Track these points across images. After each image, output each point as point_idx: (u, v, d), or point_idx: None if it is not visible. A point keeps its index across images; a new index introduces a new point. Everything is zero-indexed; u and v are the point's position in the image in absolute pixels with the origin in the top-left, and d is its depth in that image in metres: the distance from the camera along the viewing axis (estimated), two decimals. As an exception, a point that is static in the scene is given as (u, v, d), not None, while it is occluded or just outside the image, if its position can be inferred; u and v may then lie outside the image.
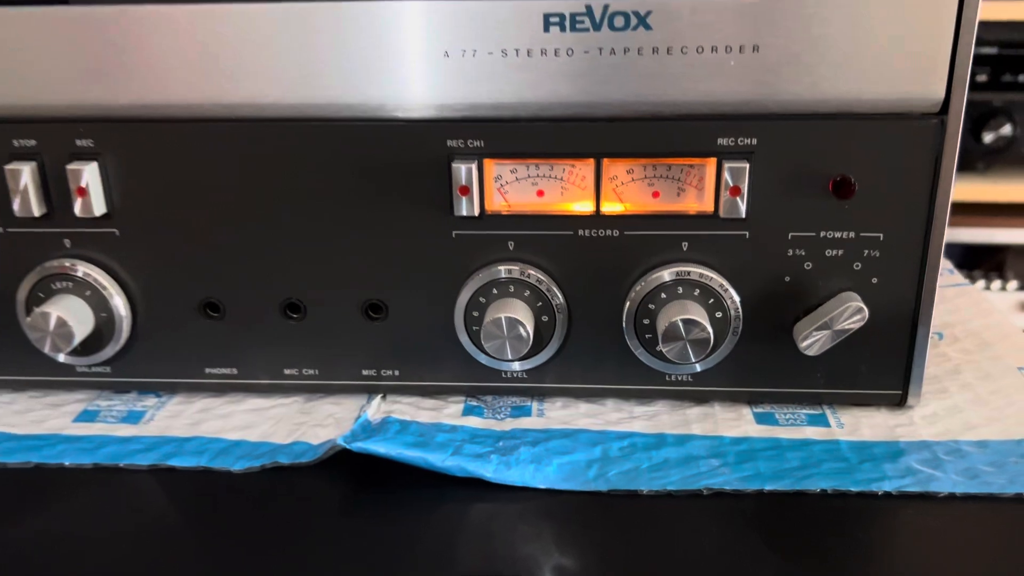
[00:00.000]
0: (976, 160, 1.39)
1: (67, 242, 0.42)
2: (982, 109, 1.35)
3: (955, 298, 0.53)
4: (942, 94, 0.37)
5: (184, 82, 0.39)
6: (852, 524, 0.36)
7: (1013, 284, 1.45)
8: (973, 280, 1.44)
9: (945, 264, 0.60)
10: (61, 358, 0.43)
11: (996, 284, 1.44)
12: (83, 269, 0.41)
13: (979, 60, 1.34)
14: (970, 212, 1.42)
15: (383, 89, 0.38)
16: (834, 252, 0.40)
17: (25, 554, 0.35)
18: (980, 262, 1.46)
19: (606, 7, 0.36)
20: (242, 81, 0.38)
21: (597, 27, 0.37)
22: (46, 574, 0.34)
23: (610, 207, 0.40)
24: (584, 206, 0.40)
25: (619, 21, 0.37)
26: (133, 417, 0.43)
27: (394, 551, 0.35)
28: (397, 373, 0.44)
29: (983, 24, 1.38)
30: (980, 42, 1.33)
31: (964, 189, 1.38)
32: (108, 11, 0.38)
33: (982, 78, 1.35)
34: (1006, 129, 1.35)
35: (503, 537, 0.35)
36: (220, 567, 0.35)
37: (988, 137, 1.35)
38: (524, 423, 0.42)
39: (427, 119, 0.39)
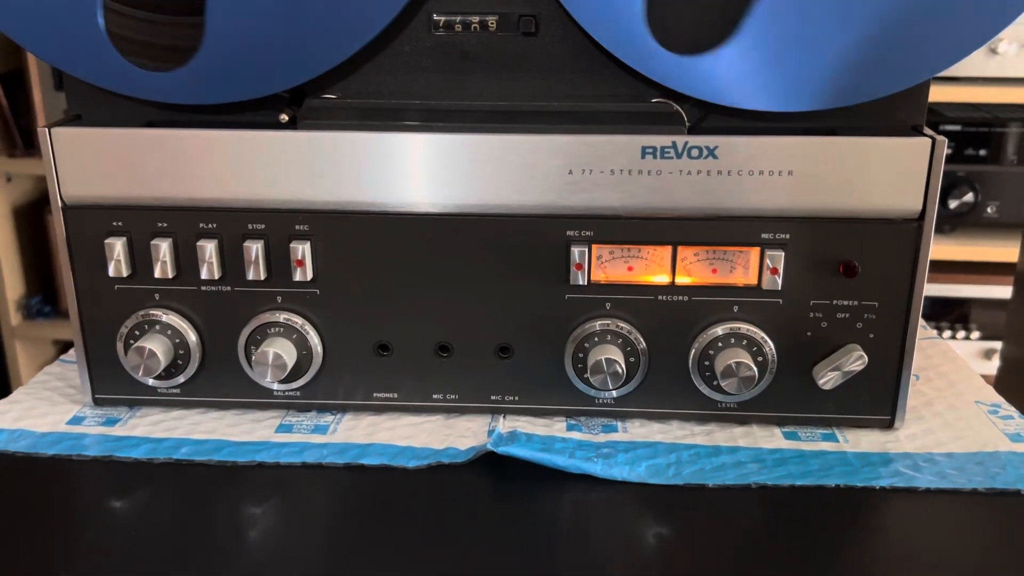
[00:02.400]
0: (943, 223, 1.55)
1: (279, 298, 0.56)
2: (948, 179, 1.51)
3: (928, 348, 0.69)
4: (920, 207, 0.53)
5: (377, 188, 0.53)
6: (856, 509, 0.51)
7: (976, 334, 1.61)
8: (940, 331, 1.59)
9: (920, 322, 0.75)
10: (275, 386, 0.57)
11: (961, 334, 1.60)
12: (290, 317, 0.56)
13: (944, 136, 1.51)
14: (938, 269, 1.58)
15: (525, 194, 0.53)
16: (843, 315, 0.55)
17: (267, 526, 0.49)
18: (947, 314, 1.61)
19: (686, 143, 0.52)
20: (422, 190, 0.53)
21: (679, 156, 0.52)
22: (285, 539, 0.48)
23: (681, 279, 0.55)
24: (662, 278, 0.55)
25: (695, 152, 0.52)
26: (320, 429, 0.57)
27: (538, 524, 0.49)
28: (516, 398, 0.58)
29: (949, 105, 1.55)
30: (945, 120, 1.50)
31: (932, 249, 1.54)
32: (328, 136, 0.53)
33: (947, 151, 1.51)
34: (968, 196, 1.51)
35: (615, 514, 0.50)
36: (407, 536, 0.49)
37: (953, 203, 1.51)
38: (614, 436, 0.57)
39: (553, 215, 0.54)
